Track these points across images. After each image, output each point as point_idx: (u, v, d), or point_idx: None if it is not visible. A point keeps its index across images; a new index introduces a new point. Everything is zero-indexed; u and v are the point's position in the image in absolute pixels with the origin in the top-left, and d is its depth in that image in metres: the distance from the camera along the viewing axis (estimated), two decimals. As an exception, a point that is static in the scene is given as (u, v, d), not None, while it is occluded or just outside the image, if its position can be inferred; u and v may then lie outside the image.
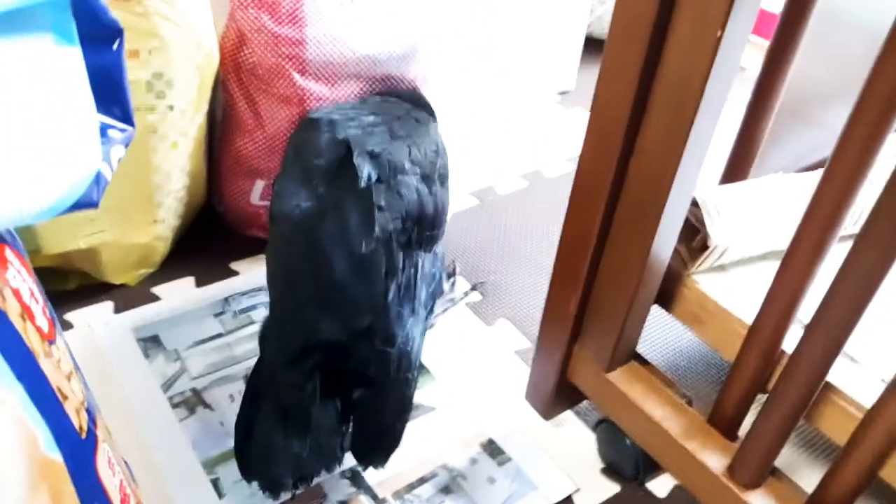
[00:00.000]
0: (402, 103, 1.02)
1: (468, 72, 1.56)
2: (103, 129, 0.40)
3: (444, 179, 0.89)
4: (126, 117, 0.43)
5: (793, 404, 0.68)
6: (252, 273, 1.14)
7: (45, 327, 0.41)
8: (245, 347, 1.01)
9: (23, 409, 0.33)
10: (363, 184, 0.75)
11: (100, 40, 0.41)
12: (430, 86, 1.19)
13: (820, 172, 0.61)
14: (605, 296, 0.80)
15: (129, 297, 1.08)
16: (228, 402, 0.94)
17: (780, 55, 0.85)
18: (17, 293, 0.37)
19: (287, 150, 0.86)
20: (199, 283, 1.11)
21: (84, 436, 0.40)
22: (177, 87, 0.98)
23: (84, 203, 0.37)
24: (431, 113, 1.02)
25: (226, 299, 1.08)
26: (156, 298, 1.08)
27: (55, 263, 1.03)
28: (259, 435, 0.78)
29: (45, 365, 0.37)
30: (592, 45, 1.82)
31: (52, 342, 0.41)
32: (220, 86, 1.09)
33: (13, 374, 0.33)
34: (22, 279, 0.41)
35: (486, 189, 1.41)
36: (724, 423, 0.78)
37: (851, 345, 0.73)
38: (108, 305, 1.06)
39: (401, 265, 0.78)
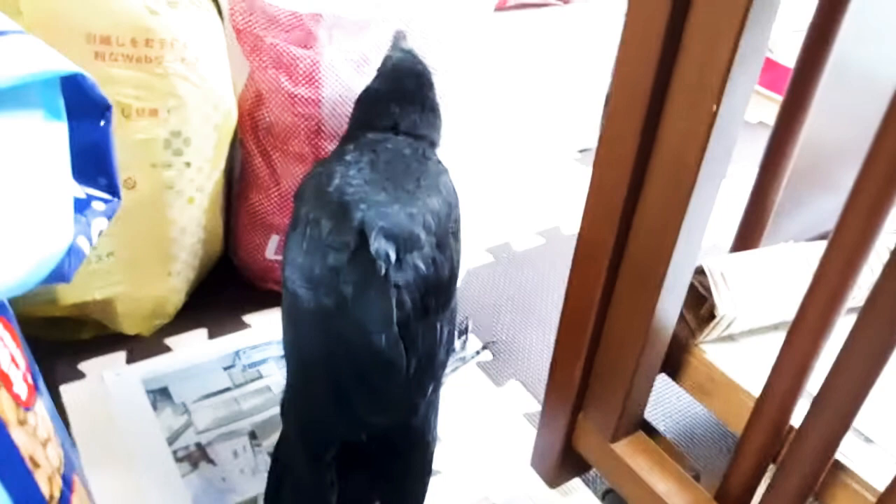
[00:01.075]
0: (409, 144, 0.92)
1: (487, 128, 1.57)
2: (87, 201, 0.41)
3: (456, 235, 0.86)
4: (112, 189, 0.44)
5: (801, 482, 0.66)
6: (263, 326, 1.14)
7: (24, 394, 0.41)
8: (252, 403, 1.01)
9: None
10: (381, 272, 0.70)
11: (89, 115, 0.42)
12: (446, 142, 1.20)
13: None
14: (609, 364, 0.78)
15: (142, 347, 1.09)
16: (232, 457, 0.93)
17: (794, 111, 0.83)
18: (-8, 362, 0.37)
19: (297, 213, 0.84)
20: (212, 335, 1.12)
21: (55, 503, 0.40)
22: (194, 144, 1.00)
23: (55, 277, 0.38)
24: (434, 140, 0.97)
25: (236, 353, 1.09)
26: (168, 349, 1.09)
27: (71, 313, 1.05)
28: None
29: (17, 434, 0.38)
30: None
31: (28, 409, 0.41)
32: (237, 143, 1.12)
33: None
34: (3, 345, 0.41)
35: (503, 245, 1.41)
36: (731, 499, 0.75)
37: (866, 424, 0.71)
38: (121, 355, 1.07)
39: (420, 338, 0.75)
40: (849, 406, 0.61)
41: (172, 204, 1.02)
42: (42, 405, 0.45)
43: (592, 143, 1.76)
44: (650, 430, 0.85)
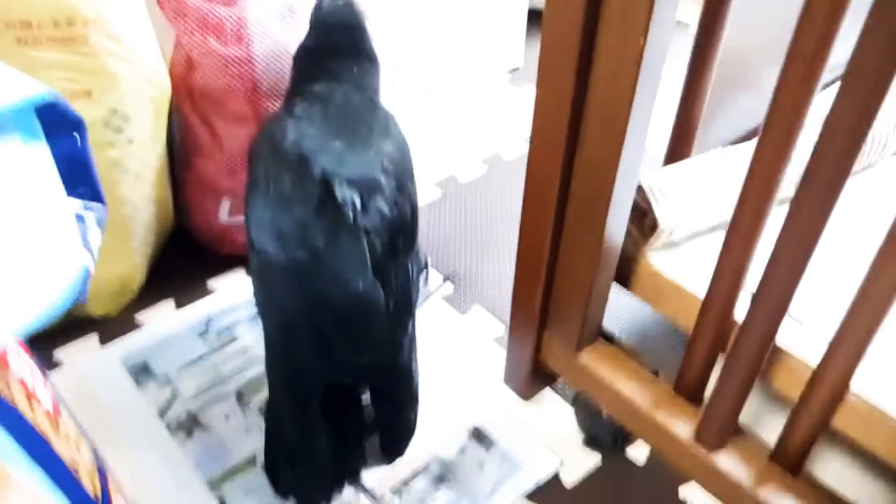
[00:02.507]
0: (356, 92, 0.93)
1: (416, 59, 1.57)
2: (79, 216, 0.43)
3: (411, 176, 0.89)
4: (95, 195, 0.46)
5: (747, 368, 0.74)
6: (229, 289, 1.17)
7: (50, 406, 0.44)
8: (232, 365, 1.05)
9: (43, 491, 0.37)
10: (350, 220, 0.73)
11: (64, 131, 0.43)
12: (396, 95, 1.21)
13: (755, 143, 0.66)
14: (566, 283, 0.84)
15: (113, 327, 1.10)
16: (224, 420, 0.98)
17: (715, 13, 0.85)
18: (22, 382, 0.40)
19: (254, 172, 0.83)
20: (179, 305, 1.14)
21: (100, 501, 0.43)
22: (133, 120, 0.99)
23: (77, 299, 0.40)
24: (376, 88, 0.98)
25: (207, 319, 1.11)
26: (139, 325, 1.11)
27: (35, 304, 1.05)
28: (283, 465, 0.87)
29: (57, 444, 0.41)
30: (537, 18, 1.83)
31: (58, 417, 0.44)
32: (174, 111, 1.11)
33: (31, 460, 0.36)
34: (24, 363, 0.44)
35: (449, 178, 1.44)
36: (688, 390, 0.84)
37: (797, 307, 0.79)
38: (93, 338, 1.09)
39: (394, 278, 0.79)
40: (785, 295, 0.68)
41: (121, 182, 1.02)
42: (64, 409, 0.48)
43: (521, 62, 1.78)
44: (609, 338, 0.92)
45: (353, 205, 0.74)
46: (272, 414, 0.87)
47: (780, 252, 0.67)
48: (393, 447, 0.93)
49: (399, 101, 1.30)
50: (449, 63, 1.67)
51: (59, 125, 0.44)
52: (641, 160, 0.75)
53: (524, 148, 1.52)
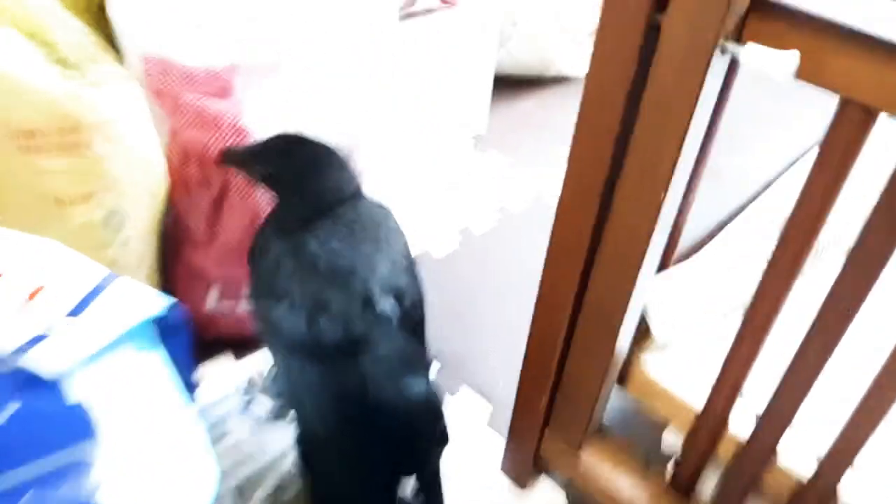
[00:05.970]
0: (357, 204, 0.95)
1: (386, 129, 1.59)
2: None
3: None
4: (190, 385, 0.47)
5: (746, 481, 0.80)
6: (217, 378, 1.16)
7: None
8: (227, 462, 1.04)
9: None
10: (393, 324, 0.80)
11: (170, 334, 0.45)
12: (372, 175, 1.24)
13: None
14: (573, 389, 0.89)
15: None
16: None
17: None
18: None
19: (275, 288, 0.83)
20: (166, 394, 1.13)
21: None
22: (132, 216, 0.99)
23: None
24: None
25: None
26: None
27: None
28: None
29: None
30: (500, 84, 1.88)
31: None
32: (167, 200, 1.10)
33: None
34: None
35: (422, 255, 1.47)
36: (683, 486, 0.89)
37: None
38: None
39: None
40: (791, 412, 0.73)
41: (117, 281, 1.00)
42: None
43: (484, 129, 1.83)
44: (602, 430, 0.98)
45: (394, 311, 0.81)
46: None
47: (788, 382, 0.71)
48: None
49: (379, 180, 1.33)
50: (415, 130, 1.70)
51: (166, 328, 0.45)
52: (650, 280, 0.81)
53: (495, 219, 1.58)
